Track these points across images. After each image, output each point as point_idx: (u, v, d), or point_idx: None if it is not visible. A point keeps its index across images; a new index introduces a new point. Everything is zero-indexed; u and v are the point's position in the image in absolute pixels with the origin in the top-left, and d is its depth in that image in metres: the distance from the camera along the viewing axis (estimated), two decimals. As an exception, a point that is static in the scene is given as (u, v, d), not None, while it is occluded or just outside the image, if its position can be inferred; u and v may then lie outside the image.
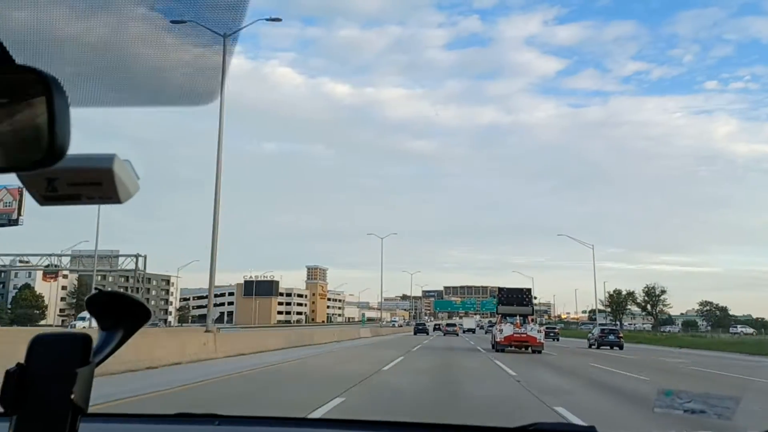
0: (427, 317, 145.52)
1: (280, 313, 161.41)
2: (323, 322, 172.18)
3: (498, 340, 28.84)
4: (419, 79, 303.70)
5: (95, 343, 1.04)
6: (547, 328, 56.96)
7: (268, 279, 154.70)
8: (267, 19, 26.46)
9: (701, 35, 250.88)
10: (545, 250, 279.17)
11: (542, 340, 28.86)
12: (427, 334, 66.87)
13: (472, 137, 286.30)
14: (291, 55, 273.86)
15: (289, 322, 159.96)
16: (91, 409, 0.93)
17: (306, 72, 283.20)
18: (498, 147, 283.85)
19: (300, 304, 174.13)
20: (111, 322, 1.11)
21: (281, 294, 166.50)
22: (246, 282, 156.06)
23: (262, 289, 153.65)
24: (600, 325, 50.71)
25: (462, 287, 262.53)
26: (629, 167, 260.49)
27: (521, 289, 32.53)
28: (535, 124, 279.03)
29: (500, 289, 33.84)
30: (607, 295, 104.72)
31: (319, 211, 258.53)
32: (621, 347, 37.84)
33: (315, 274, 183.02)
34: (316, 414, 8.33)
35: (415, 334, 65.16)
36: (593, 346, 39.47)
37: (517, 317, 29.33)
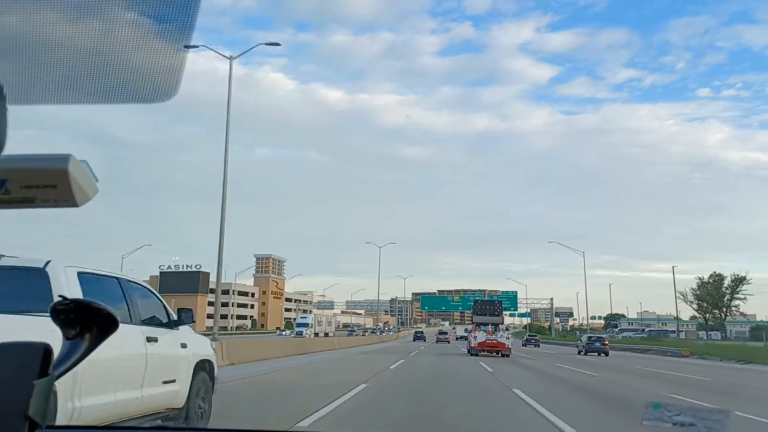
0: (421, 324, 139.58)
1: (211, 316, 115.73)
2: (278, 329, 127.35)
3: (472, 345, 34.28)
4: (413, 85, 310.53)
5: (57, 353, 1.01)
6: (529, 335, 76.75)
7: (192, 269, 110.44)
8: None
9: (693, 43, 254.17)
10: (540, 257, 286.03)
11: (510, 346, 34.22)
12: (425, 341, 74.59)
13: (467, 144, 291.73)
14: (283, 60, 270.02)
15: (225, 328, 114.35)
16: None
17: (299, 77, 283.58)
18: (493, 154, 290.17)
19: (244, 305, 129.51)
20: (75, 331, 1.07)
21: (221, 292, 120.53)
22: (162, 274, 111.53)
23: (182, 283, 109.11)
24: (588, 334, 54.58)
25: (457, 291, 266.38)
26: (623, 174, 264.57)
27: (493, 302, 43.19)
28: (529, 130, 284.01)
29: (475, 302, 42.28)
30: (698, 282, 63.49)
31: (313, 218, 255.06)
32: (606, 354, 41.83)
33: (267, 266, 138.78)
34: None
35: (414, 340, 77.62)
36: (581, 353, 43.31)
37: (489, 326, 34.84)
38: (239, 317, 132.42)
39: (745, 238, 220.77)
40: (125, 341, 5.92)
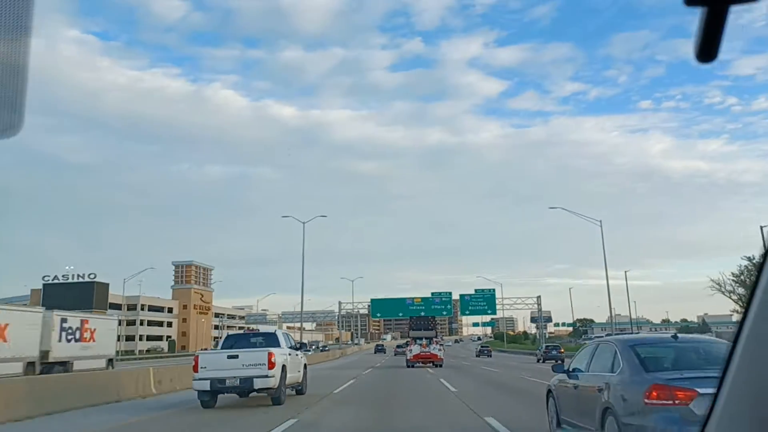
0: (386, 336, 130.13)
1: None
2: (205, 349, 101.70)
3: (408, 357, 38.01)
4: (365, 100, 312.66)
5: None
6: (481, 346, 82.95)
7: (85, 281, 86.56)
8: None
9: (634, 56, 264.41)
10: (496, 269, 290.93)
11: (442, 357, 38.16)
12: (385, 353, 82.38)
13: (421, 158, 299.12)
14: (234, 77, 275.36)
15: (132, 352, 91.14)
16: None
17: (250, 94, 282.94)
18: (446, 167, 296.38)
19: (158, 323, 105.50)
20: None
21: (122, 307, 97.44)
22: (46, 287, 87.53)
23: (73, 297, 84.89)
24: (546, 344, 60.40)
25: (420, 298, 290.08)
26: (572, 185, 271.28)
27: (427, 318, 45.22)
28: (481, 144, 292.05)
29: (411, 318, 48.11)
30: (747, 265, 44.85)
31: (267, 235, 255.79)
32: (562, 360, 41.59)
33: (188, 276, 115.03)
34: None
35: (375, 352, 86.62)
36: (540, 360, 48.11)
37: (423, 339, 38.19)
38: (151, 338, 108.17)
39: (686, 244, 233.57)
40: (288, 354, 16.72)
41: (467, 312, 72.10)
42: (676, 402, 5.92)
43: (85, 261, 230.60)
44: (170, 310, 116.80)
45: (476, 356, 68.82)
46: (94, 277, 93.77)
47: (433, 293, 72.54)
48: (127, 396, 17.83)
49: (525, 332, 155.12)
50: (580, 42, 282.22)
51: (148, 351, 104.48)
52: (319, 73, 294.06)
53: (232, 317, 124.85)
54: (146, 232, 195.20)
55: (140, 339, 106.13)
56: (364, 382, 25.07)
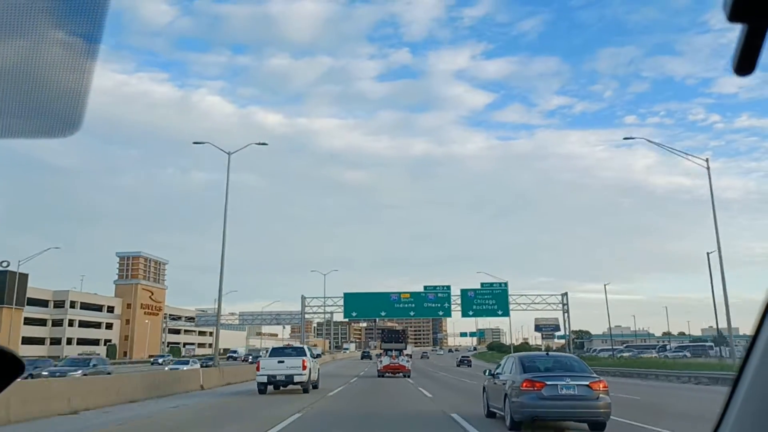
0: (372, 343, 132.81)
1: (35, 341, 75.16)
2: (151, 357, 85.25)
3: (379, 368, 40.11)
4: (352, 109, 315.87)
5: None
6: (462, 356, 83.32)
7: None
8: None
9: (619, 72, 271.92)
10: (479, 280, 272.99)
11: (410, 368, 40.35)
12: (371, 359, 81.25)
13: (407, 168, 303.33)
14: (220, 83, 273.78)
15: (57, 358, 70.30)
16: None
17: (236, 101, 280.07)
18: (432, 178, 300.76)
19: (94, 325, 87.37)
20: None
21: (48, 304, 79.61)
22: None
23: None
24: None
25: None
26: (557, 198, 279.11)
27: (398, 330, 47.53)
28: (466, 155, 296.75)
29: (382, 330, 51.99)
30: None
31: (252, 243, 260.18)
32: None
33: (135, 271, 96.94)
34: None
35: (361, 358, 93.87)
36: None
37: (393, 351, 40.34)
38: (85, 342, 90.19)
39: (670, 259, 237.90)
40: (311, 360, 25.09)
41: (470, 312, 55.48)
42: (534, 388, 12.00)
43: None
44: (111, 310, 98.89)
45: (457, 366, 70.36)
46: (7, 266, 75.74)
47: (426, 287, 55.90)
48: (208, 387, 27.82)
49: (526, 342, 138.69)
50: (567, 56, 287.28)
51: (83, 355, 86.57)
52: (307, 81, 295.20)
53: (176, 318, 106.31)
54: (128, 237, 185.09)
55: (69, 343, 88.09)
56: (358, 384, 31.93)
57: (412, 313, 55.52)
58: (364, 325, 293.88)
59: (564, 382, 11.94)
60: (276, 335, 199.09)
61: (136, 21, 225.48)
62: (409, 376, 38.62)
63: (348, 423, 14.69)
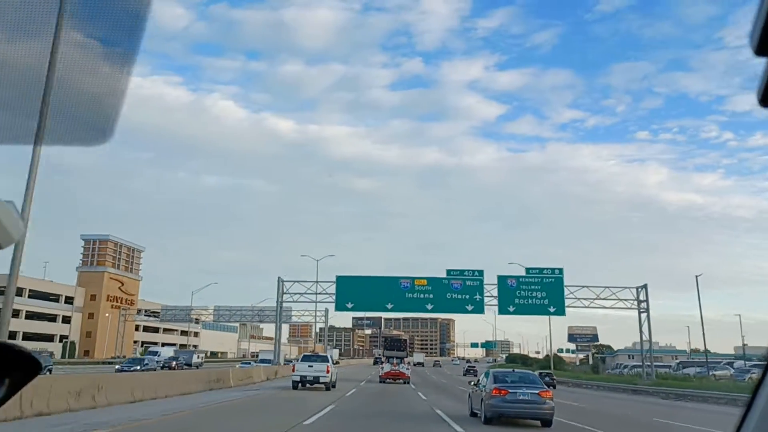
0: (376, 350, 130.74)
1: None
2: (121, 357, 69.83)
3: (380, 374, 41.69)
4: (363, 117, 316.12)
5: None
6: (468, 365, 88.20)
7: None
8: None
9: (633, 87, 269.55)
10: (490, 291, 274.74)
11: (409, 375, 42.10)
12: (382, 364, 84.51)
13: (416, 177, 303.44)
14: (233, 88, 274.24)
15: None
16: None
17: (249, 106, 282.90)
18: (441, 188, 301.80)
19: (49, 318, 72.39)
20: None
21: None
22: None
23: None
24: (539, 370, 56.95)
25: (406, 319, 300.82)
26: (567, 211, 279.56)
27: (400, 339, 55.22)
28: (477, 166, 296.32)
29: (385, 338, 59.64)
30: None
31: (261, 248, 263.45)
32: (554, 387, 41.84)
33: (102, 257, 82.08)
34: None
35: (374, 364, 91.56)
36: None
37: (395, 358, 41.72)
38: (35, 337, 75.80)
39: (680, 276, 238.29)
40: (332, 365, 31.11)
41: (511, 308, 41.19)
42: (501, 394, 16.25)
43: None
44: (70, 300, 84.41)
45: (463, 375, 70.34)
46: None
47: (450, 272, 41.04)
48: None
49: (551, 355, 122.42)
50: (580, 70, 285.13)
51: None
52: (319, 88, 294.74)
53: (140, 311, 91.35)
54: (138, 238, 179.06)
55: (11, 337, 73.15)
56: (367, 387, 36.46)
57: (429, 306, 40.91)
58: (369, 332, 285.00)
59: (521, 390, 16.54)
60: (271, 338, 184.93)
61: (152, 24, 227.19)
62: (408, 383, 40.26)
63: (367, 410, 20.42)
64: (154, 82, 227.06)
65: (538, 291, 41.04)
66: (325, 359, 30.46)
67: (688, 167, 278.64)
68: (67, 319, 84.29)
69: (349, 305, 41.66)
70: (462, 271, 41.24)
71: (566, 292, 41.53)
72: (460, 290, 40.76)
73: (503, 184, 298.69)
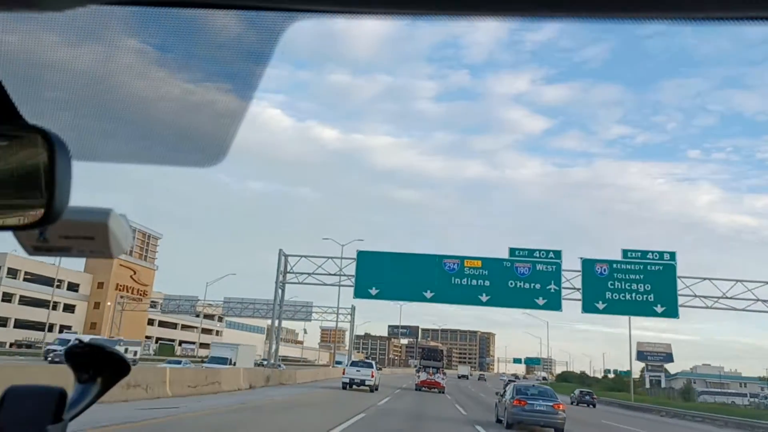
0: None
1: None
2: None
3: (416, 382, 43.37)
4: (408, 128, 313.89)
5: (71, 396, 1.03)
6: (509, 379, 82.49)
7: None
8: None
9: (685, 104, 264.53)
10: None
11: (444, 384, 42.93)
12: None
13: (458, 189, 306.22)
14: (281, 97, 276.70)
15: None
16: None
17: (295, 115, 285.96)
18: (483, 201, 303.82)
19: (46, 305, 64.11)
20: (89, 375, 1.10)
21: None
22: None
23: None
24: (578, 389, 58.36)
25: (444, 330, 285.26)
26: (612, 229, 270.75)
27: (437, 349, 56.58)
28: (520, 180, 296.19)
29: (422, 348, 62.04)
30: None
31: (300, 250, 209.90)
32: (594, 405, 47.36)
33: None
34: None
35: (417, 372, 75.91)
36: (573, 403, 48.24)
37: (431, 368, 43.23)
38: (29, 326, 67.94)
39: (730, 301, 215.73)
40: (376, 370, 34.97)
41: (599, 303, 30.37)
42: (520, 404, 18.69)
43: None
44: (74, 288, 76.35)
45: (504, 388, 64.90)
46: None
47: (516, 250, 29.95)
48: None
49: (627, 377, 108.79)
50: (630, 85, 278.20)
51: (16, 345, 64.23)
52: (365, 98, 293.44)
53: (154, 303, 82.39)
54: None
55: (2, 325, 65.67)
56: (406, 391, 39.59)
57: (484, 297, 30.16)
58: (405, 342, 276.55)
59: (538, 402, 18.82)
60: (302, 342, 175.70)
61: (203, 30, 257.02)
62: (443, 392, 41.51)
63: (408, 407, 23.88)
64: (207, 89, 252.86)
65: (640, 282, 29.98)
66: (370, 365, 33.96)
67: (741, 188, 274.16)
68: (69, 308, 76.27)
69: (373, 291, 31.33)
70: (531, 251, 30.42)
71: (679, 285, 30.31)
72: (527, 277, 30.01)
73: (547, 199, 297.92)
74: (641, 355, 75.78)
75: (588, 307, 30.58)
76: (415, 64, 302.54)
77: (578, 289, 31.35)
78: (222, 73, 1.16)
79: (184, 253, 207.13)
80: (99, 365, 1.08)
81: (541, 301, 30.36)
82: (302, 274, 35.22)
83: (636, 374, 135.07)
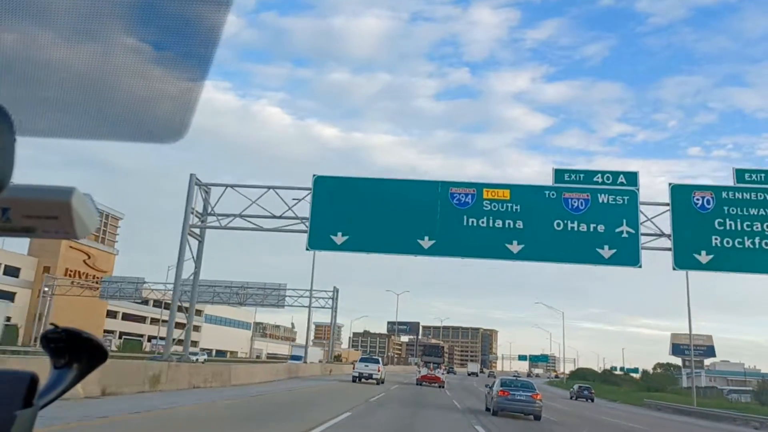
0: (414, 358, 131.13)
1: None
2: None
3: (417, 377, 46.84)
4: (408, 126, 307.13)
5: (44, 382, 1.03)
6: (514, 375, 78.44)
7: None
8: None
9: (685, 102, 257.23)
10: (527, 307, 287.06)
11: (445, 379, 46.69)
12: (429, 368, 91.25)
13: None
14: (281, 95, 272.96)
15: None
16: None
17: (295, 113, 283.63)
18: None
19: None
20: (65, 360, 1.09)
21: None
22: None
23: None
24: (577, 384, 62.34)
25: (446, 327, 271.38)
26: None
27: (437, 345, 68.53)
28: (521, 178, 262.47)
29: (423, 345, 79.48)
30: None
31: (297, 253, 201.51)
32: (592, 400, 51.13)
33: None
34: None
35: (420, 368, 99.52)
36: (572, 398, 52.68)
37: (432, 364, 50.66)
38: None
39: (734, 301, 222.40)
40: (382, 366, 41.33)
41: (701, 256, 18.96)
42: (505, 395, 22.05)
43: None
44: (14, 273, 65.60)
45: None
46: None
47: (563, 172, 18.46)
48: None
49: (662, 368, 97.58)
50: (630, 83, 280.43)
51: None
52: (365, 96, 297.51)
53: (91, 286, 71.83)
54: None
55: None
56: (408, 385, 42.18)
57: (515, 247, 18.58)
58: (406, 340, 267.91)
59: (519, 393, 21.75)
60: (292, 339, 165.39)
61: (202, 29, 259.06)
62: (443, 387, 44.30)
63: (408, 398, 26.79)
64: (205, 87, 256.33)
65: (764, 220, 19.45)
66: (377, 361, 39.85)
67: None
68: (8, 296, 65.63)
69: (339, 238, 20.20)
70: (591, 174, 19.62)
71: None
72: (584, 213, 19.37)
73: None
74: (677, 349, 65.46)
75: (683, 261, 20.07)
76: (415, 61, 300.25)
77: (666, 235, 20.79)
78: (175, 47, 1.12)
79: (158, 239, 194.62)
80: (75, 351, 1.05)
81: (606, 252, 19.74)
82: (227, 216, 24.52)
83: (637, 371, 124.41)
